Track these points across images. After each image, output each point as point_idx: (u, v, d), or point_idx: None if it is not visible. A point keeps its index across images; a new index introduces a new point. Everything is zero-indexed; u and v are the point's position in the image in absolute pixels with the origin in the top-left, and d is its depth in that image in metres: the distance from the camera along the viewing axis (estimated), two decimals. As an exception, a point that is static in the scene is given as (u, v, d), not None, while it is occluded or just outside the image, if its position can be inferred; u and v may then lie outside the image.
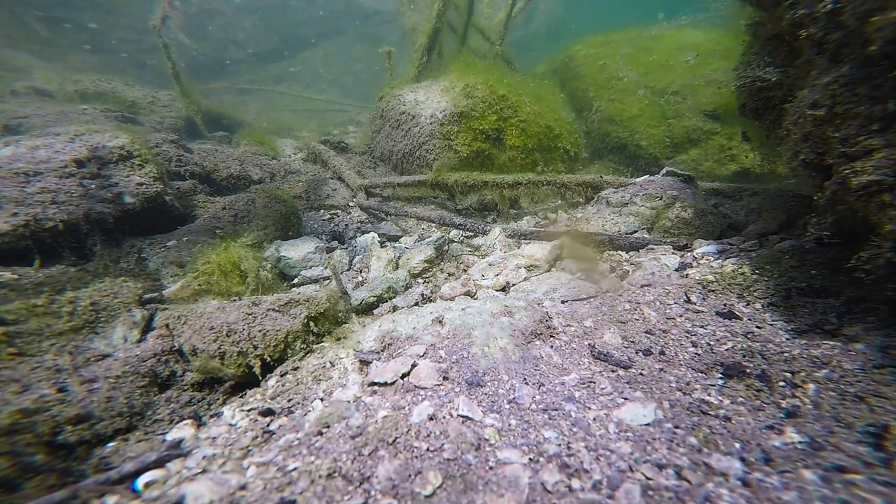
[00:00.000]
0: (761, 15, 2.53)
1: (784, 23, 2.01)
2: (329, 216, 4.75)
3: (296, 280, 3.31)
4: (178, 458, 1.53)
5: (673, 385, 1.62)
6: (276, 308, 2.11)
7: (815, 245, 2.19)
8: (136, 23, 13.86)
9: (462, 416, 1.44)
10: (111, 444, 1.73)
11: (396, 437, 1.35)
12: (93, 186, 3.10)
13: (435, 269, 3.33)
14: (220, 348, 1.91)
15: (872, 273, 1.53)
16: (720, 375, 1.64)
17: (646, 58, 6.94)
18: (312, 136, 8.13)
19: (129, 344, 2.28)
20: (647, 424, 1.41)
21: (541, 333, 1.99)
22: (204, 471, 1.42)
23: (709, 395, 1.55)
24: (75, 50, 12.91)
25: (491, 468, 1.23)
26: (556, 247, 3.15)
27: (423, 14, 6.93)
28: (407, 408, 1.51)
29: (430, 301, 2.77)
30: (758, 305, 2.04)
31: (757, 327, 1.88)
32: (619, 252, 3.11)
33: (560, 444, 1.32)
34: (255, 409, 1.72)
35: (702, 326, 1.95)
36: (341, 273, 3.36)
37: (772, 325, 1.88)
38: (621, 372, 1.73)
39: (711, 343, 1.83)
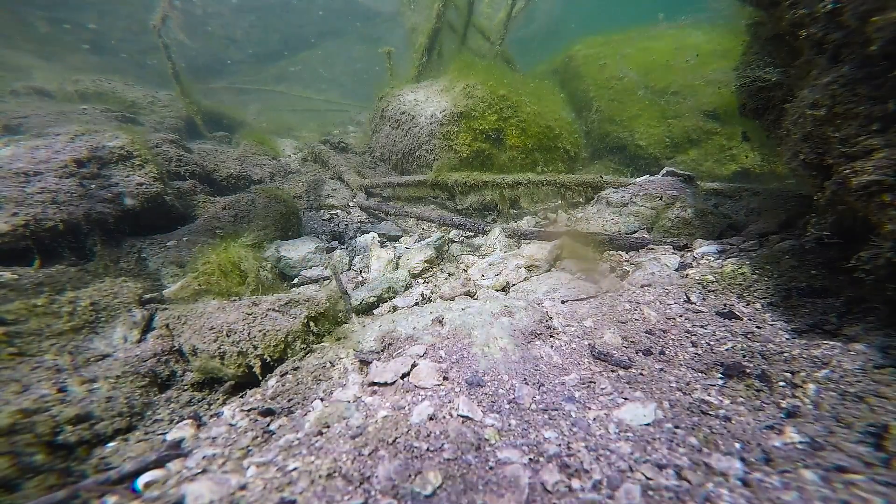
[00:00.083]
0: (761, 15, 2.53)
1: (784, 23, 2.01)
2: (329, 216, 4.75)
3: (296, 280, 3.31)
4: (178, 458, 1.53)
5: (673, 385, 1.62)
6: (276, 308, 2.11)
7: (815, 245, 2.19)
8: (136, 23, 13.86)
9: (462, 416, 1.44)
10: (111, 444, 1.73)
11: (396, 437, 1.35)
12: (93, 186, 3.10)
13: (435, 269, 3.33)
14: (220, 348, 1.91)
15: (872, 273, 1.53)
16: (720, 375, 1.64)
17: (646, 58, 6.94)
18: (312, 136, 8.14)
19: (129, 344, 2.28)
20: (647, 424, 1.41)
21: (541, 333, 1.99)
22: (204, 471, 1.42)
23: (709, 395, 1.55)
24: (75, 50, 12.91)
25: (491, 468, 1.23)
26: (556, 247, 3.15)
27: (423, 14, 6.93)
28: (407, 408, 1.51)
29: (430, 301, 2.77)
30: (758, 305, 2.04)
31: (757, 327, 1.88)
32: (619, 252, 3.11)
33: (560, 444, 1.32)
34: (255, 409, 1.72)
35: (702, 326, 1.95)
36: (341, 273, 3.36)
37: (772, 325, 1.88)
38: (621, 372, 1.73)
39: (711, 343, 1.83)
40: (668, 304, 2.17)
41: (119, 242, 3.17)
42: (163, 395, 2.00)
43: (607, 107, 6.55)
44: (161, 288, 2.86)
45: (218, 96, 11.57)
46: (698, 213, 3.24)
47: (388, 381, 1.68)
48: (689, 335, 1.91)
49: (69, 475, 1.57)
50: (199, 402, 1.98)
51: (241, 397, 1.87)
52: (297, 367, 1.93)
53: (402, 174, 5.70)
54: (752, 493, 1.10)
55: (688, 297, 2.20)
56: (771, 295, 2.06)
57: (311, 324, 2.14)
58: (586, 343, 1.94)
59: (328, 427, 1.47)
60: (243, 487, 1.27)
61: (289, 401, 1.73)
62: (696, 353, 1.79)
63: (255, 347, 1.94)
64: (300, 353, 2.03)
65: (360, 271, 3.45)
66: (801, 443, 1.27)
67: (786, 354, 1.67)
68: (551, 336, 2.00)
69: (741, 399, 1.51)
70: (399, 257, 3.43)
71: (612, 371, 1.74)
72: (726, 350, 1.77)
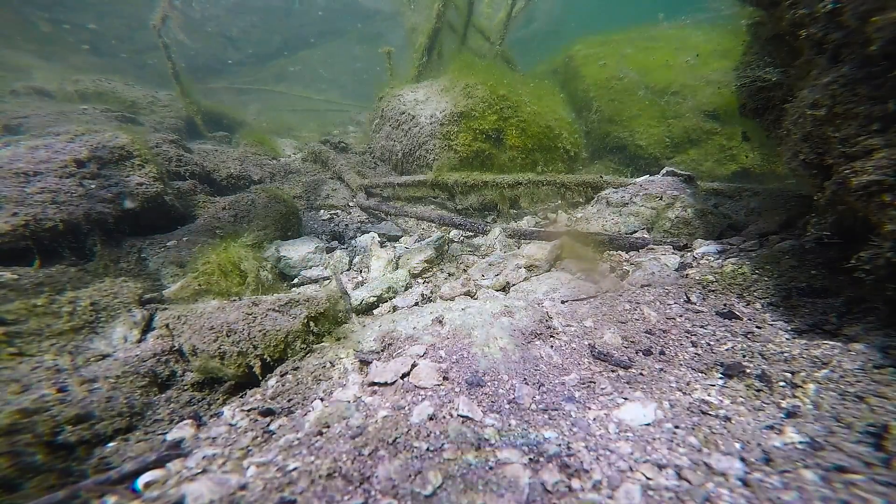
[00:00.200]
0: (761, 15, 2.53)
1: (784, 23, 2.01)
2: (329, 216, 4.75)
3: (296, 280, 3.31)
4: (178, 458, 1.53)
5: (673, 385, 1.62)
6: (276, 308, 2.11)
7: (815, 245, 2.19)
8: (136, 23, 13.87)
9: (462, 416, 1.44)
10: (111, 444, 1.73)
11: (396, 437, 1.35)
12: (93, 186, 3.10)
13: (435, 269, 3.33)
14: (220, 348, 1.91)
15: (872, 273, 1.53)
16: (720, 375, 1.64)
17: (646, 58, 6.94)
18: (312, 136, 8.14)
19: (129, 344, 2.28)
20: (647, 424, 1.41)
21: (541, 333, 1.99)
22: (204, 471, 1.42)
23: (709, 395, 1.55)
24: (75, 50, 12.91)
25: (491, 468, 1.23)
26: (556, 247, 3.15)
27: (423, 14, 6.93)
28: (407, 408, 1.51)
29: (430, 301, 2.77)
30: (758, 305, 2.04)
31: (757, 327, 1.88)
32: (619, 252, 3.11)
33: (560, 444, 1.32)
34: (255, 409, 1.72)
35: (702, 326, 1.95)
36: (341, 273, 3.36)
37: (772, 325, 1.88)
38: (621, 372, 1.73)
39: (711, 343, 1.83)
40: (668, 304, 2.17)
41: (119, 242, 3.17)
42: (163, 395, 2.00)
43: (607, 107, 6.55)
44: (161, 288, 2.86)
45: (218, 96, 11.58)
46: (698, 213, 3.24)
47: (388, 381, 1.68)
48: (689, 335, 1.91)
49: (69, 475, 1.57)
50: (199, 402, 1.98)
51: (241, 397, 1.87)
52: (297, 367, 1.93)
53: (402, 174, 5.70)
54: (752, 493, 1.10)
55: (688, 297, 2.20)
56: (771, 295, 2.06)
57: (311, 324, 2.14)
58: (586, 343, 1.94)
59: (328, 427, 1.47)
60: (243, 487, 1.27)
61: (289, 401, 1.73)
62: (696, 353, 1.79)
63: (255, 347, 1.94)
64: (300, 353, 2.03)
65: (360, 271, 3.46)
66: (801, 443, 1.27)
67: (786, 354, 1.67)
68: (551, 336, 2.00)
69: (741, 399, 1.51)
70: (399, 257, 3.43)
71: (612, 371, 1.74)
72: (726, 350, 1.77)
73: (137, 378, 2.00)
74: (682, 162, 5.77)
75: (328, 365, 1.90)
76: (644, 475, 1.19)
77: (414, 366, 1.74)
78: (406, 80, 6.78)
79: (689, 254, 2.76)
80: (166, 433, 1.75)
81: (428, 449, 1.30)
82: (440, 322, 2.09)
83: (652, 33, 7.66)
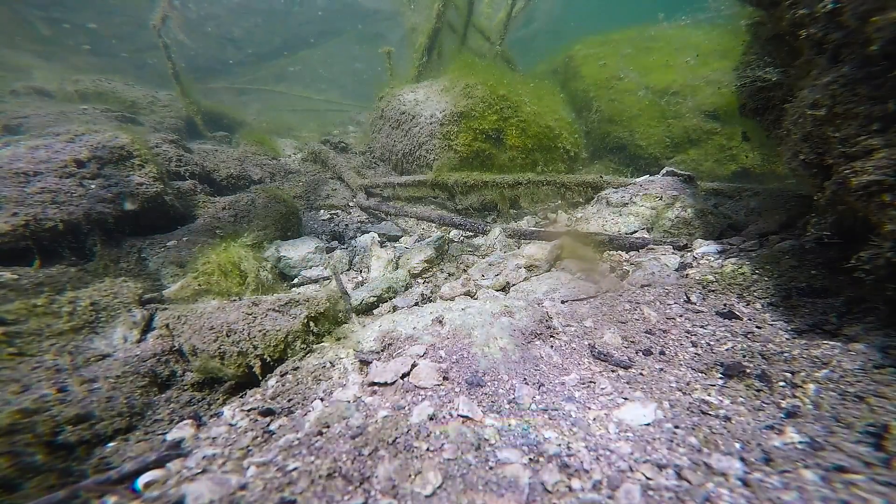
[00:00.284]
0: (761, 15, 2.53)
1: (784, 23, 2.01)
2: (329, 216, 4.75)
3: (296, 280, 3.31)
4: (178, 458, 1.53)
5: (673, 385, 1.62)
6: (276, 308, 2.11)
7: (815, 245, 2.19)
8: (135, 22, 13.86)
9: (462, 416, 1.44)
10: (111, 444, 1.73)
11: (396, 437, 1.35)
12: (93, 186, 3.10)
13: (435, 269, 3.33)
14: (220, 348, 1.91)
15: (872, 273, 1.53)
16: (720, 375, 1.64)
17: (646, 58, 6.94)
18: (312, 136, 8.14)
19: (129, 344, 2.28)
20: (647, 424, 1.41)
21: (541, 333, 1.99)
22: (204, 471, 1.42)
23: (709, 395, 1.55)
24: (75, 50, 12.91)
25: (491, 468, 1.23)
26: (556, 247, 3.15)
27: (423, 14, 6.93)
28: (407, 408, 1.51)
29: (430, 301, 2.77)
30: (758, 305, 2.04)
31: (757, 327, 1.88)
32: (619, 252, 3.11)
33: (560, 444, 1.32)
34: (255, 409, 1.72)
35: (702, 326, 1.95)
36: (341, 273, 3.36)
37: (772, 325, 1.88)
38: (621, 372, 1.73)
39: (711, 343, 1.83)
40: (668, 304, 2.17)
41: (119, 242, 3.17)
42: (163, 395, 2.00)
43: (607, 107, 6.55)
44: (161, 288, 2.86)
45: (218, 96, 11.58)
46: (698, 213, 3.24)
47: (388, 381, 1.67)
48: (689, 335, 1.91)
49: (69, 475, 1.57)
50: (199, 402, 1.98)
51: (241, 397, 1.87)
52: (297, 367, 1.93)
53: (402, 174, 5.70)
54: (752, 493, 1.10)
55: (688, 297, 2.20)
56: (771, 295, 2.06)
57: (311, 324, 2.14)
58: (586, 343, 1.94)
59: (328, 427, 1.47)
60: (243, 487, 1.27)
61: (289, 401, 1.72)
62: (696, 353, 1.79)
63: (255, 347, 1.94)
64: (300, 353, 2.03)
65: (360, 271, 3.46)
66: (801, 443, 1.27)
67: (786, 354, 1.67)
68: (551, 336, 2.00)
69: (741, 399, 1.51)
70: (399, 257, 3.43)
71: (612, 371, 1.74)
72: (726, 350, 1.77)
73: (137, 378, 2.00)
74: (682, 162, 5.77)
75: (328, 365, 1.90)
76: (644, 475, 1.19)
77: (414, 366, 1.74)
78: (406, 80, 6.78)
79: (689, 254, 2.76)
80: (166, 433, 1.75)
81: (428, 449, 1.30)
82: (440, 322, 2.09)
83: (652, 33, 7.65)
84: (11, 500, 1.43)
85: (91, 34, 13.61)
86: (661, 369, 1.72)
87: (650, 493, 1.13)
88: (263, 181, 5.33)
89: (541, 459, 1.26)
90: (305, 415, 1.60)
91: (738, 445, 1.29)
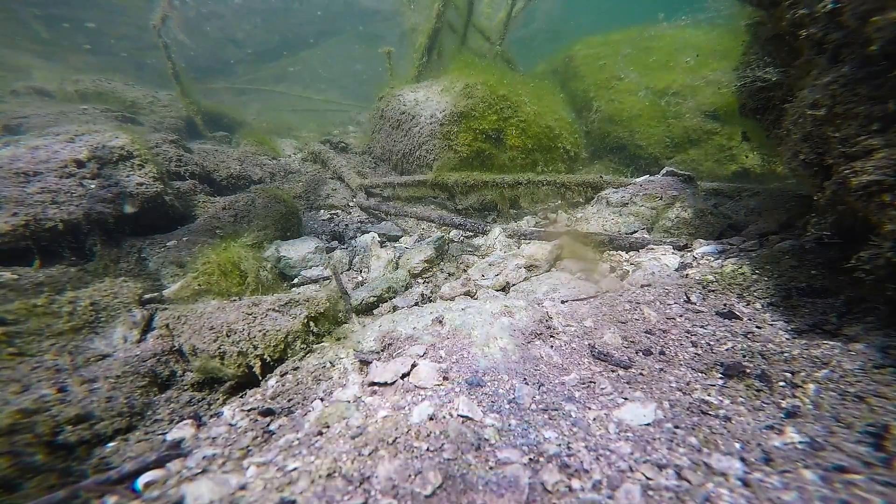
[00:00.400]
0: (761, 15, 2.53)
1: (784, 23, 2.01)
2: (329, 216, 4.75)
3: (296, 280, 3.31)
4: (178, 458, 1.53)
5: (673, 385, 1.62)
6: (276, 308, 2.11)
7: (815, 245, 2.19)
8: (135, 22, 13.87)
9: (462, 416, 1.44)
10: (111, 444, 1.73)
11: (396, 437, 1.35)
12: (93, 186, 3.10)
13: (435, 269, 3.33)
14: (220, 348, 1.91)
15: (872, 273, 1.53)
16: (720, 375, 1.64)
17: (646, 58, 6.94)
18: (312, 136, 8.14)
19: (129, 344, 2.28)
20: (647, 424, 1.41)
21: (541, 333, 1.99)
22: (204, 471, 1.42)
23: (709, 395, 1.55)
24: (75, 50, 12.91)
25: (491, 468, 1.23)
26: (556, 247, 3.15)
27: (423, 14, 6.93)
28: (407, 408, 1.51)
29: (430, 301, 2.77)
30: (758, 305, 2.04)
31: (757, 327, 1.88)
32: (619, 252, 3.11)
33: (560, 444, 1.32)
34: (255, 409, 1.72)
35: (702, 326, 1.95)
36: (341, 273, 3.36)
37: (772, 325, 1.88)
38: (621, 372, 1.73)
39: (711, 343, 1.83)
40: (668, 304, 2.17)
41: (119, 242, 3.17)
42: (163, 395, 2.00)
43: (607, 107, 6.55)
44: (161, 288, 2.86)
45: (218, 96, 11.58)
46: (698, 213, 3.24)
47: (388, 381, 1.67)
48: (689, 335, 1.91)
49: (69, 475, 1.57)
50: (199, 402, 1.98)
51: (241, 397, 1.87)
52: (297, 367, 1.93)
53: (402, 174, 5.70)
54: (752, 493, 1.10)
55: (688, 297, 2.20)
56: (771, 295, 2.06)
57: (311, 324, 2.14)
58: (586, 343, 1.94)
59: (328, 427, 1.47)
60: (243, 487, 1.27)
61: (289, 401, 1.73)
62: (696, 353, 1.79)
63: (255, 347, 1.94)
64: (300, 353, 2.03)
65: (360, 271, 3.45)
66: (801, 443, 1.27)
67: (786, 354, 1.67)
68: (551, 336, 2.00)
69: (741, 399, 1.51)
70: (399, 257, 3.43)
71: (612, 371, 1.74)
72: (726, 350, 1.77)
73: (137, 378, 2.00)
74: (682, 162, 5.77)
75: (328, 365, 1.90)
76: (644, 475, 1.19)
77: (414, 366, 1.74)
78: (406, 80, 6.78)
79: (689, 254, 2.76)
80: (166, 433, 1.75)
81: (428, 449, 1.30)
82: (440, 322, 2.09)
83: (652, 33, 7.65)
84: (11, 500, 1.43)
85: (91, 34, 13.62)
86: (661, 369, 1.72)
87: (650, 493, 1.13)
88: (263, 181, 5.33)
89: (541, 459, 1.26)
90: (305, 415, 1.60)
91: (738, 445, 1.29)
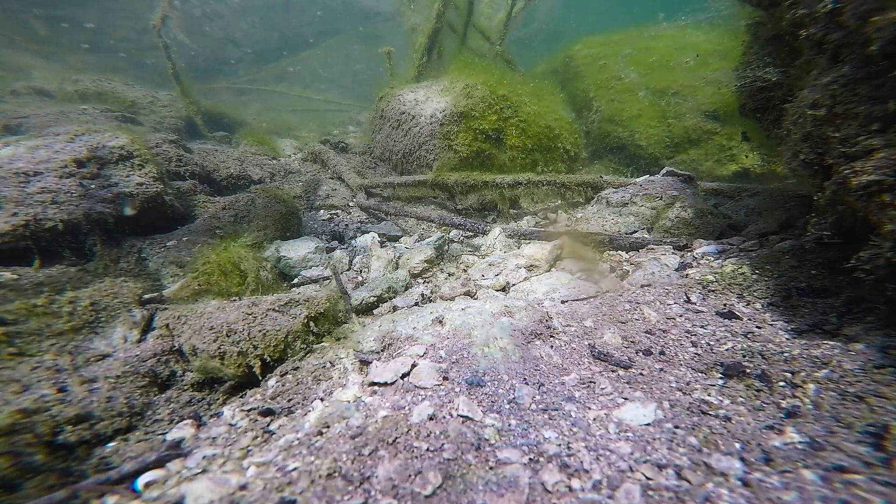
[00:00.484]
0: (761, 15, 2.53)
1: (784, 23, 2.01)
2: (329, 216, 4.75)
3: (296, 280, 3.31)
4: (178, 458, 1.53)
5: (673, 385, 1.62)
6: (276, 308, 2.11)
7: (815, 245, 2.19)
8: (135, 22, 13.87)
9: (462, 416, 1.44)
10: (111, 444, 1.73)
11: (396, 437, 1.35)
12: (93, 186, 3.10)
13: (435, 270, 3.33)
14: (220, 348, 1.91)
15: (872, 273, 1.53)
16: (720, 375, 1.64)
17: (646, 58, 6.94)
18: (312, 136, 8.14)
19: (129, 344, 2.28)
20: (647, 424, 1.41)
21: (541, 333, 1.99)
22: (204, 471, 1.42)
23: (709, 395, 1.55)
24: (75, 50, 12.91)
25: (491, 468, 1.23)
26: (556, 247, 3.15)
27: (423, 14, 6.94)
28: (407, 408, 1.51)
29: (430, 301, 2.77)
30: (758, 305, 2.04)
31: (757, 327, 1.88)
32: (619, 252, 3.11)
33: (560, 444, 1.32)
34: (255, 409, 1.72)
35: (702, 326, 1.95)
36: (341, 273, 3.36)
37: (772, 325, 1.88)
38: (621, 372, 1.73)
39: (711, 343, 1.83)
40: (668, 304, 2.17)
41: (119, 242, 3.17)
42: (163, 395, 2.00)
43: (607, 107, 6.55)
44: (161, 288, 2.86)
45: (218, 96, 11.58)
46: (698, 213, 3.24)
47: (388, 381, 1.67)
48: (689, 335, 1.91)
49: (69, 475, 1.57)
50: (199, 402, 1.98)
51: (241, 397, 1.87)
52: (297, 367, 1.93)
53: (402, 174, 5.70)
54: (752, 493, 1.10)
55: (688, 297, 2.20)
56: (771, 295, 2.06)
57: (311, 324, 2.14)
58: (586, 343, 1.94)
59: (328, 427, 1.47)
60: (243, 487, 1.27)
61: (289, 401, 1.73)
62: (696, 353, 1.79)
63: (255, 347, 1.94)
64: (300, 353, 2.03)
65: (360, 271, 3.45)
66: (801, 443, 1.27)
67: (786, 354, 1.67)
68: (551, 336, 2.00)
69: (741, 399, 1.51)
70: (399, 257, 3.43)
71: (612, 371, 1.74)
72: (726, 350, 1.77)
73: (137, 378, 2.00)
74: (682, 162, 5.77)
75: (328, 365, 1.90)
76: (644, 475, 1.19)
77: (414, 366, 1.74)
78: (406, 80, 6.78)
79: (689, 254, 2.76)
80: (166, 433, 1.75)
81: (428, 449, 1.30)
82: (440, 322, 2.09)
83: (652, 33, 7.65)
84: (11, 500, 1.43)
85: (90, 33, 13.61)
86: (661, 369, 1.72)
87: (650, 493, 1.13)
88: (263, 181, 5.33)
89: (541, 459, 1.26)
90: (305, 415, 1.60)
91: (738, 445, 1.29)
